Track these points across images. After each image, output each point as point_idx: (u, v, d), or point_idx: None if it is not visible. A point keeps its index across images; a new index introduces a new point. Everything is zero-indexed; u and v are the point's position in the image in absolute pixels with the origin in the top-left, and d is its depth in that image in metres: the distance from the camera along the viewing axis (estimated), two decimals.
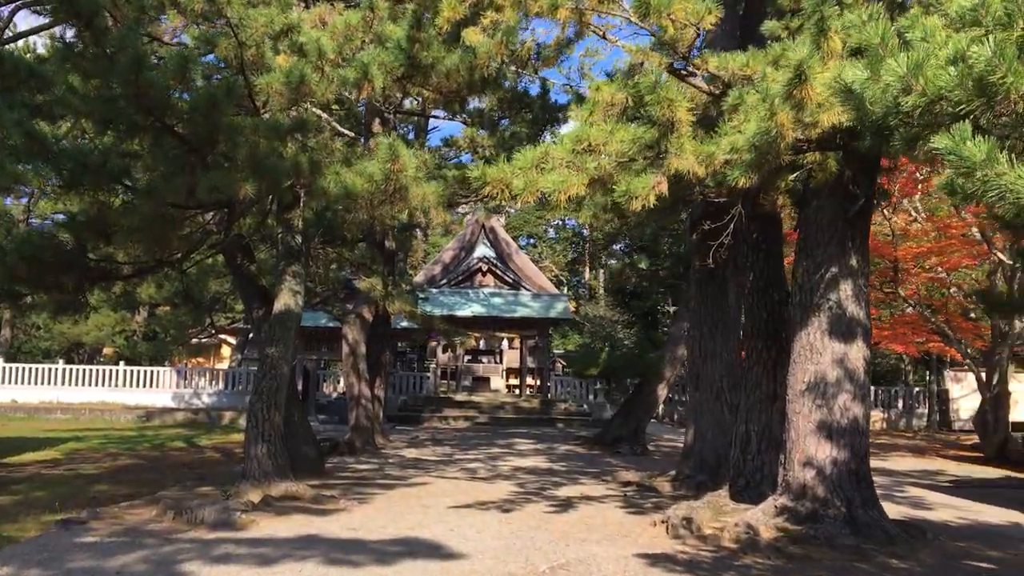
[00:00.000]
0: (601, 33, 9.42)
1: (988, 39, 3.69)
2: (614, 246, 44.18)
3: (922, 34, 4.36)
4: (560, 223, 63.63)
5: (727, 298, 14.08)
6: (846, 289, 9.68)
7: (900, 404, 32.75)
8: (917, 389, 34.45)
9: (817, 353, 9.65)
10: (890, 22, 4.14)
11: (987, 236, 19.88)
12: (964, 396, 32.85)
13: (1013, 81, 3.62)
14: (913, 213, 23.93)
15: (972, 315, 24.55)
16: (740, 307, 14.82)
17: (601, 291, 58.02)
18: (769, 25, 9.92)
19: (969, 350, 23.00)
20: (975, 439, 25.92)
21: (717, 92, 8.88)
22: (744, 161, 7.31)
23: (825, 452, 9.46)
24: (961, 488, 15.67)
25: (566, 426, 28.91)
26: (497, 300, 34.47)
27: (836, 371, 9.56)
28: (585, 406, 32.36)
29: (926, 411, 32.40)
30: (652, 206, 7.08)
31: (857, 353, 9.64)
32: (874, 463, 11.63)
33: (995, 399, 21.99)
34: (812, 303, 9.76)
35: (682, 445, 24.08)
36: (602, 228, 27.80)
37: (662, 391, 22.78)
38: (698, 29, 8.30)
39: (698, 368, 14.18)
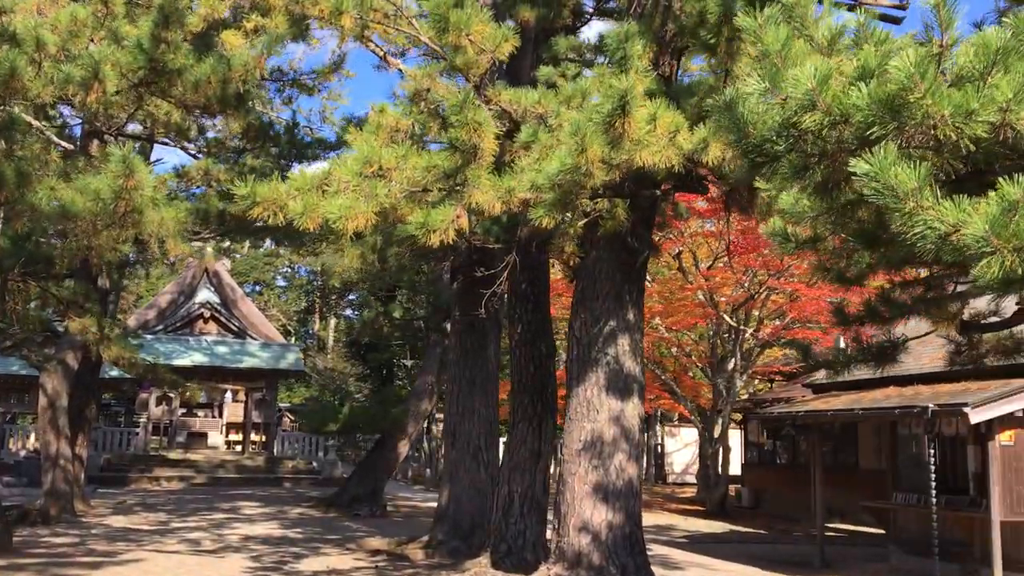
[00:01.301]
0: (381, 54, 8.56)
1: (907, 53, 3.22)
2: (350, 296, 42.84)
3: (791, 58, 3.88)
4: (289, 270, 61.24)
5: (487, 351, 13.50)
6: (623, 344, 9.36)
7: None
8: None
9: (594, 410, 9.21)
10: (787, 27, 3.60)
11: (714, 300, 21.01)
12: (677, 451, 34.72)
13: (932, 104, 3.16)
14: None
15: (691, 374, 25.91)
16: (499, 361, 14.34)
17: (331, 342, 56.19)
18: (545, 71, 9.58)
19: (690, 407, 24.17)
20: (691, 492, 27.24)
21: (503, 129, 8.28)
22: (547, 200, 6.69)
23: (601, 516, 8.96)
24: (697, 544, 16.01)
25: (295, 486, 27.04)
26: (222, 349, 31.96)
27: (613, 429, 9.16)
28: (315, 464, 30.56)
29: (644, 464, 33.77)
30: (451, 242, 6.24)
31: (633, 411, 9.32)
32: None
33: (716, 455, 23.17)
34: (590, 358, 9.33)
35: (422, 505, 23.25)
36: (351, 274, 26.52)
37: (403, 448, 21.80)
38: (493, 56, 7.68)
39: (455, 425, 13.41)
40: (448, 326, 18.56)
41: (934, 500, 10.43)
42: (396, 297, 14.61)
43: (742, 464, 26.38)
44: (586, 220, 8.33)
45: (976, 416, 9.76)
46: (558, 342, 14.22)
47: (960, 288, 5.90)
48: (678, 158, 6.39)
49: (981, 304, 6.24)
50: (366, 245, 10.35)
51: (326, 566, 11.51)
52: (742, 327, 20.89)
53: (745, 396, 25.87)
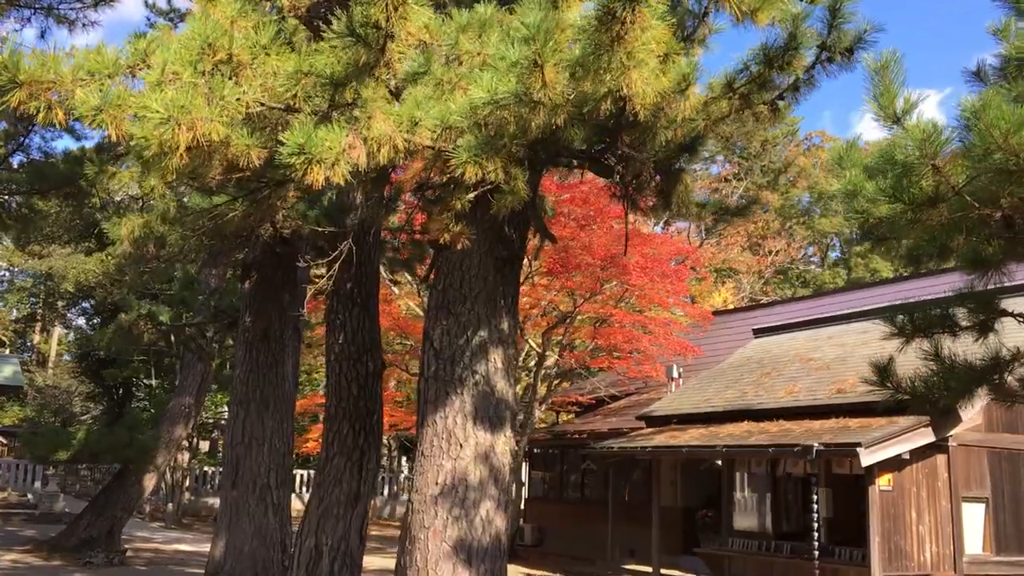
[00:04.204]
0: None
1: None
2: (84, 303, 37.43)
3: None
4: (8, 273, 53.54)
5: (284, 366, 11.03)
6: (496, 359, 7.40)
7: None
8: None
9: (457, 445, 7.15)
10: None
11: (520, 323, 19.52)
12: None
13: None
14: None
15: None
16: (297, 380, 11.90)
17: (53, 356, 49.54)
18: None
19: None
20: None
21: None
22: (469, 144, 4.67)
23: None
24: None
25: (4, 523, 22.50)
26: None
27: (480, 469, 7.14)
28: (30, 496, 25.86)
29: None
30: (343, 180, 4.03)
31: (504, 445, 7.36)
32: None
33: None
34: (454, 376, 7.28)
35: (166, 548, 19.79)
36: (91, 276, 22.51)
37: (150, 482, 18.39)
38: None
39: (238, 457, 10.77)
40: (210, 334, 15.71)
41: (816, 550, 9.27)
42: (181, 299, 11.76)
43: (525, 499, 25.02)
44: (475, 192, 6.31)
45: (867, 458, 8.71)
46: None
47: None
48: (653, 96, 4.57)
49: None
50: (155, 213, 7.70)
51: None
52: (547, 352, 19.53)
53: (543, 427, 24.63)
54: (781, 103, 5.78)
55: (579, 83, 4.50)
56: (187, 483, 29.00)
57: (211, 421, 30.71)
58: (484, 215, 7.06)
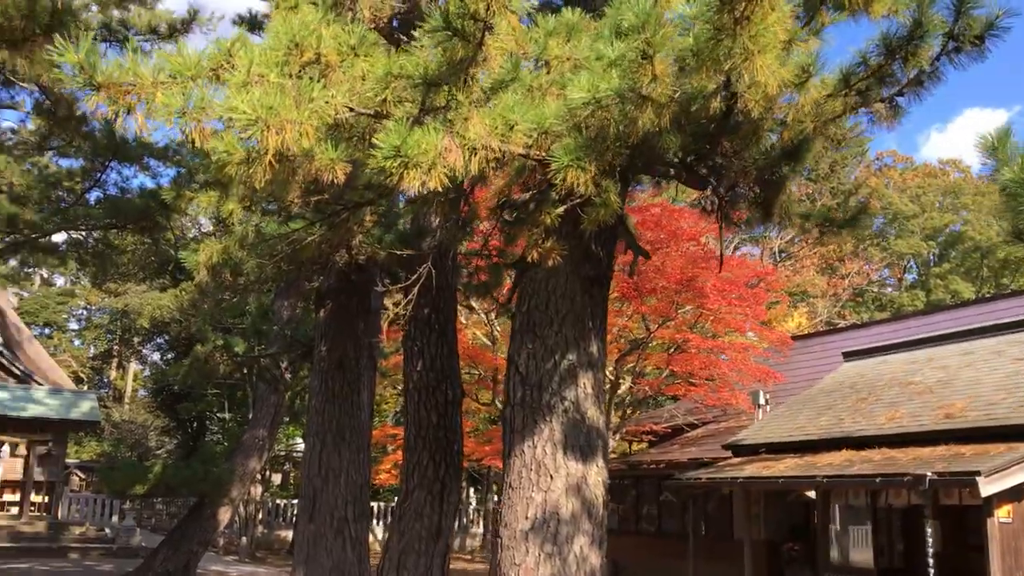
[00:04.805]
0: None
1: None
2: (158, 339, 37.98)
3: None
4: (85, 312, 54.88)
5: (360, 396, 10.75)
6: (586, 385, 7.01)
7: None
8: None
9: (547, 476, 6.76)
10: None
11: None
12: None
13: None
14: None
15: None
16: (373, 409, 11.64)
17: (129, 391, 50.49)
18: None
19: None
20: None
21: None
22: (570, 148, 4.32)
23: None
24: None
25: (83, 557, 22.69)
26: (1, 395, 26.99)
27: (572, 502, 6.73)
28: (107, 531, 26.08)
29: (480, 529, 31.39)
30: (439, 187, 3.71)
31: (597, 476, 6.95)
32: None
33: None
34: (542, 403, 6.90)
35: None
36: (166, 311, 22.82)
37: (225, 515, 18.27)
38: None
39: (316, 490, 10.49)
40: (284, 365, 15.57)
41: None
42: (254, 331, 11.65)
43: None
44: (564, 207, 5.95)
45: (987, 488, 8.04)
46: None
47: None
48: (775, 86, 4.15)
49: None
50: (233, 239, 7.53)
51: None
52: (619, 380, 19.02)
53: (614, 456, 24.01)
54: (901, 100, 5.32)
55: (689, 77, 4.14)
56: (260, 516, 29.03)
57: (283, 453, 30.75)
58: (571, 232, 6.73)
